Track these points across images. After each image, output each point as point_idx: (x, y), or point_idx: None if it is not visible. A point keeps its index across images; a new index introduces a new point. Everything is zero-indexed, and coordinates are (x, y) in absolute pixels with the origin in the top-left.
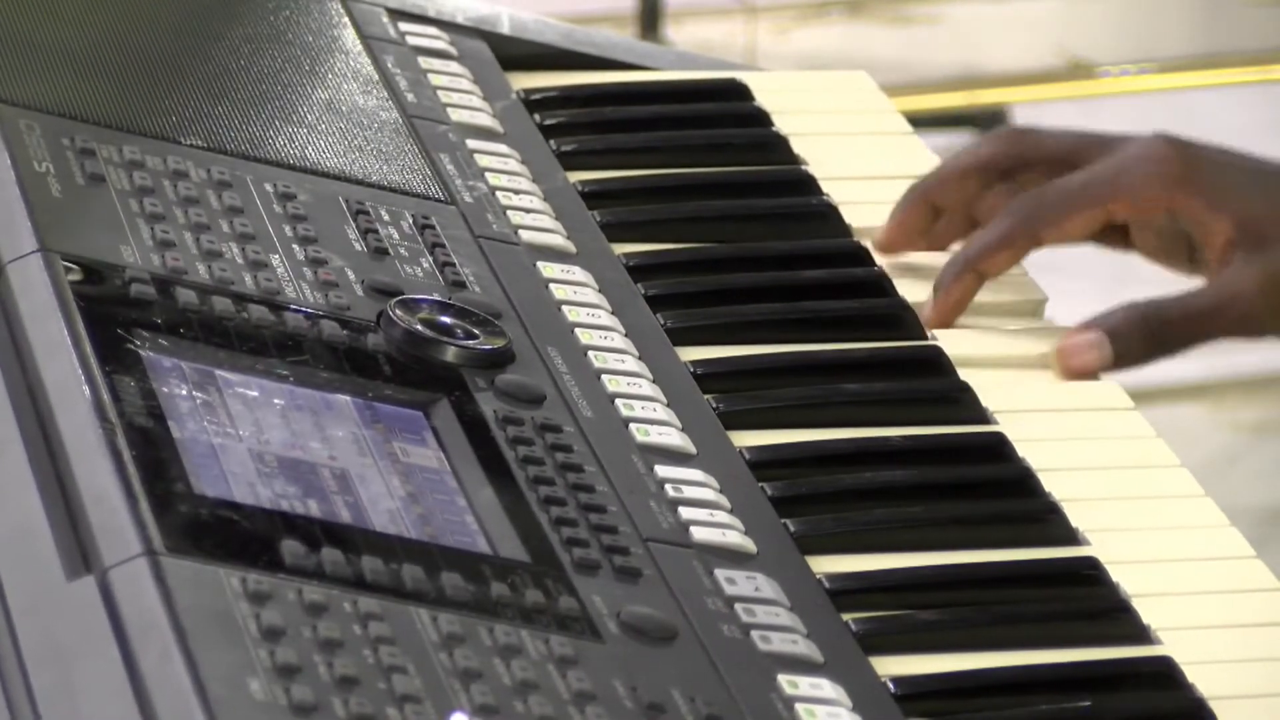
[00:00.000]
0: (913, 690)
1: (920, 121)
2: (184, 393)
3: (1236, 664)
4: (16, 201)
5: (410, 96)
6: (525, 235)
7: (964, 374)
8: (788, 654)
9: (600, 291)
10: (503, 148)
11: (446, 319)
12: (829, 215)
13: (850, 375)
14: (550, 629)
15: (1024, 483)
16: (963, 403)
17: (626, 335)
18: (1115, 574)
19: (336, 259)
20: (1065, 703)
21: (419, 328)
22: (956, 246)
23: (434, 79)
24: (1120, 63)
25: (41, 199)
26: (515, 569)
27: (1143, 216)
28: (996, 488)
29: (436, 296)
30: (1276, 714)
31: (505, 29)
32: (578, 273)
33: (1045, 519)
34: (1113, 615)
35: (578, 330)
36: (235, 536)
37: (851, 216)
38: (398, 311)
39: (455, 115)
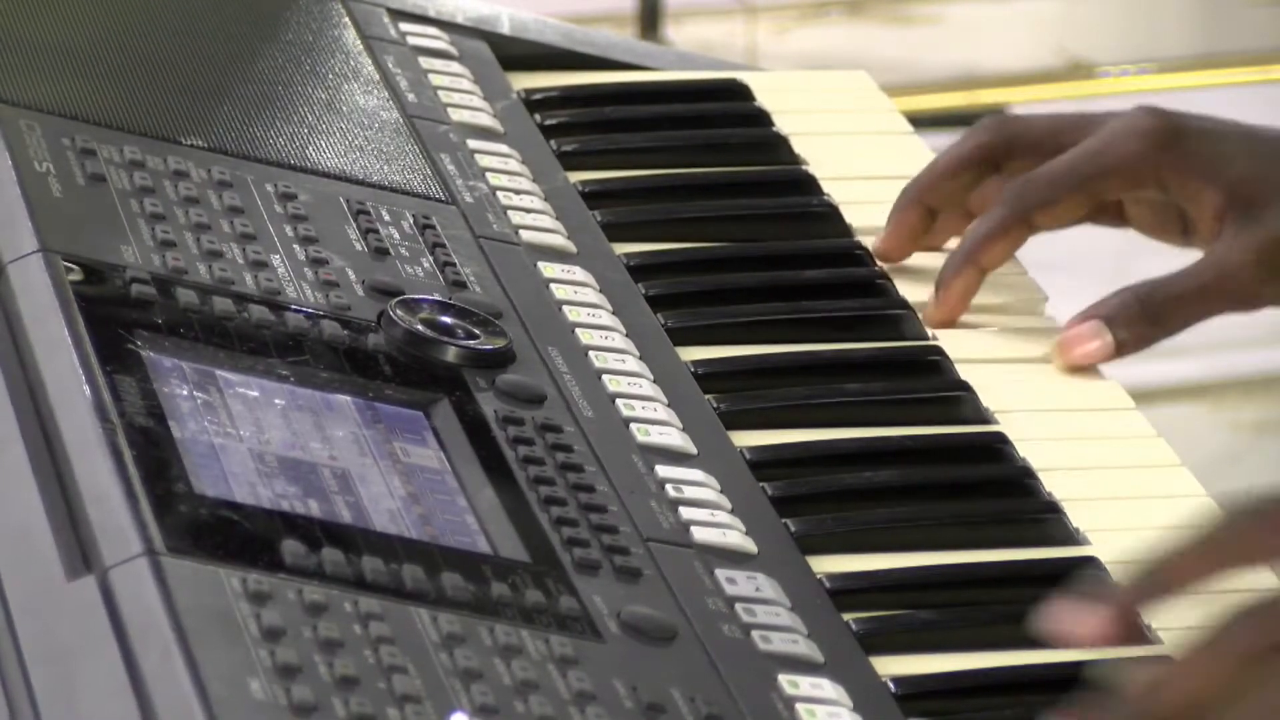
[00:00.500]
0: (913, 690)
1: (920, 121)
2: (184, 393)
3: None
4: (17, 201)
5: (411, 96)
6: (526, 235)
7: (964, 373)
8: (788, 654)
9: (601, 291)
10: (503, 148)
11: (447, 319)
12: (829, 215)
13: (851, 375)
14: (550, 629)
15: (1024, 482)
16: (963, 402)
17: (627, 335)
18: (1116, 574)
19: (337, 259)
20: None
21: (420, 328)
22: (955, 243)
23: (434, 79)
24: (1120, 63)
25: (42, 199)
26: (516, 569)
27: (1133, 191)
28: (997, 487)
29: (437, 296)
30: None
31: (505, 29)
32: (578, 273)
33: (1045, 519)
34: None
35: (578, 330)
36: (236, 536)
37: (852, 216)
38: (398, 311)
39: (456, 115)
